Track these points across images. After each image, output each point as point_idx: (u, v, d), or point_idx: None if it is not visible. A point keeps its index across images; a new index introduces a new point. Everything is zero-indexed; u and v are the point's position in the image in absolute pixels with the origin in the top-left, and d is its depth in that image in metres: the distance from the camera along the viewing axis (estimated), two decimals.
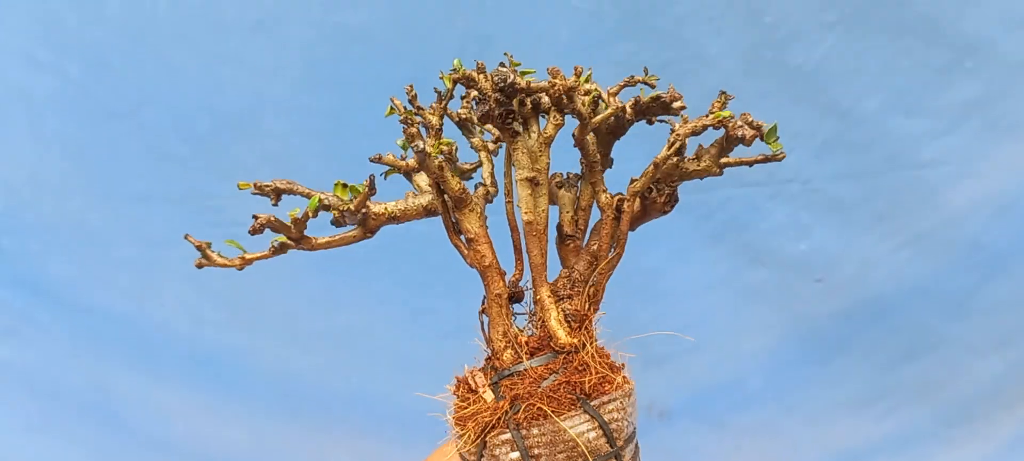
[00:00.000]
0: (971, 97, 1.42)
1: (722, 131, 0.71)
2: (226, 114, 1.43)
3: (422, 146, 0.69)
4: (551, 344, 0.72)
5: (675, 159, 0.73)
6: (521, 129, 0.73)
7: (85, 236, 1.47)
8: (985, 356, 1.50)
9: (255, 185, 0.73)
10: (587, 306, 0.74)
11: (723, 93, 0.72)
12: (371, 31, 1.41)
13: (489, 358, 0.74)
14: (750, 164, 0.74)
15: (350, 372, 1.56)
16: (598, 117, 0.71)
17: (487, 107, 0.71)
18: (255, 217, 0.73)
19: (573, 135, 0.73)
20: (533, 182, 0.73)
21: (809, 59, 1.41)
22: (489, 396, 0.70)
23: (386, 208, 0.75)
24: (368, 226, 0.75)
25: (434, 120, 0.73)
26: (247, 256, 0.77)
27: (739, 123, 0.70)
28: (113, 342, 1.51)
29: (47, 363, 1.50)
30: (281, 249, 0.76)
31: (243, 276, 1.49)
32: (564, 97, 0.70)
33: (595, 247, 0.75)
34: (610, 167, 0.77)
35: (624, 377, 0.73)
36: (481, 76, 0.71)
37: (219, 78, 1.41)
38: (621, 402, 0.71)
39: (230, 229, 1.49)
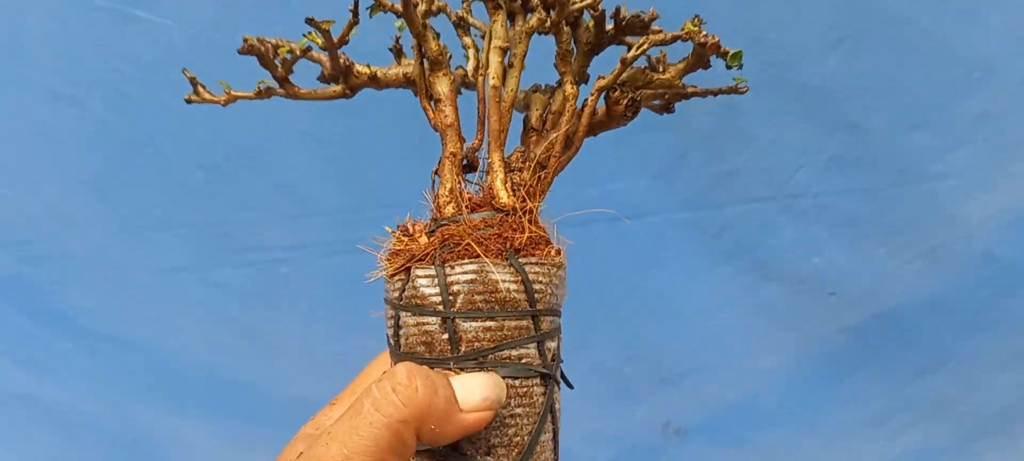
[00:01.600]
0: (980, 111, 1.42)
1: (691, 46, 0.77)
2: (240, 143, 1.46)
3: None
4: (492, 203, 0.76)
5: (644, 66, 0.78)
6: (503, 5, 0.78)
7: (106, 266, 1.49)
8: (1001, 371, 1.50)
9: (244, 40, 0.76)
10: (534, 181, 0.77)
11: (697, 16, 0.75)
12: (384, 57, 1.43)
13: (434, 216, 0.77)
14: (714, 94, 0.81)
15: None
16: (576, 5, 0.75)
17: None
18: (244, 39, 0.76)
19: (549, 22, 0.76)
20: (504, 52, 0.78)
21: (815, 76, 1.42)
22: (424, 240, 0.73)
23: (369, 67, 0.81)
24: (350, 83, 0.80)
25: None
26: (232, 93, 0.82)
27: (705, 34, 0.75)
28: (134, 372, 1.53)
29: (69, 394, 1.52)
30: (266, 93, 0.80)
31: (261, 304, 1.52)
32: None
33: (553, 136, 0.78)
34: (585, 82, 0.81)
35: (557, 250, 0.75)
36: None
37: (233, 107, 1.43)
38: (548, 269, 0.73)
39: (244, 255, 1.53)
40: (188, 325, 1.53)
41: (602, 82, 0.76)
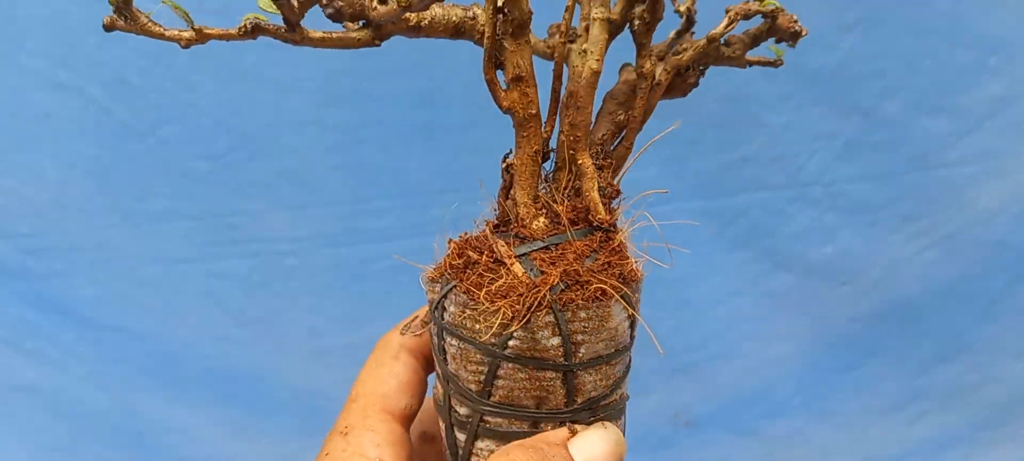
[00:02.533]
0: (996, 95, 1.39)
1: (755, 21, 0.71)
2: (243, 131, 1.44)
3: None
4: (589, 217, 0.64)
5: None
6: None
7: (109, 255, 1.47)
8: (1017, 358, 1.48)
9: None
10: (617, 182, 0.68)
11: None
12: (388, 44, 1.41)
13: (500, 224, 0.66)
14: (751, 65, 0.76)
15: None
16: None
17: None
18: None
19: None
20: (610, 23, 0.64)
21: (829, 61, 1.39)
22: (518, 269, 0.61)
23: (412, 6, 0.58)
24: (384, 31, 0.62)
25: None
26: (203, 30, 0.59)
27: (789, 17, 0.70)
28: (138, 362, 1.51)
29: (72, 384, 1.51)
30: (252, 33, 0.59)
31: (266, 294, 1.50)
32: None
33: (622, 116, 0.70)
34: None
35: (639, 270, 0.66)
36: None
37: (236, 94, 1.41)
38: (638, 295, 0.65)
39: (249, 245, 1.51)
40: (192, 315, 1.51)
41: (683, 57, 0.69)
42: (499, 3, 0.60)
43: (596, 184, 0.65)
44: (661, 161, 1.45)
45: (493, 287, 0.60)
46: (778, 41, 0.73)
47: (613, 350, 0.63)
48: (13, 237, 1.46)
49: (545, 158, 0.66)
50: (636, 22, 0.65)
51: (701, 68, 0.73)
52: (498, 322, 0.59)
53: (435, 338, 0.66)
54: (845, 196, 1.45)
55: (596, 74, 0.64)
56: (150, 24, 0.58)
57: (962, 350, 1.49)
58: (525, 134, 0.63)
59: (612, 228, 0.64)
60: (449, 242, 0.65)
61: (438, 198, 1.46)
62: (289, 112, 1.43)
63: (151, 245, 1.47)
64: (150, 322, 1.51)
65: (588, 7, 0.65)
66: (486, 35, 0.60)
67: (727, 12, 0.68)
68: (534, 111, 0.62)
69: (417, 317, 0.73)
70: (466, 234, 0.66)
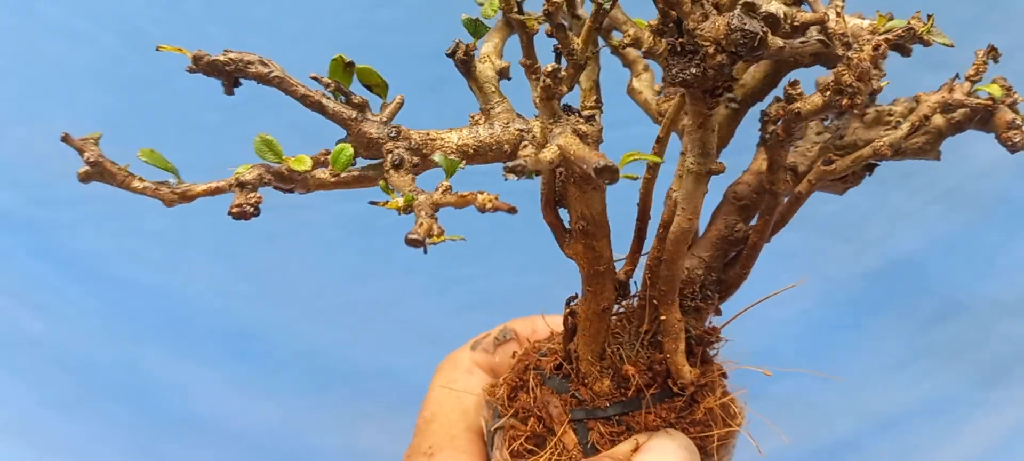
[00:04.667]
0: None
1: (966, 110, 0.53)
2: (254, 83, 1.44)
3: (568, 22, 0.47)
4: (668, 381, 0.57)
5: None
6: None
7: (116, 208, 1.47)
8: (1019, 315, 1.49)
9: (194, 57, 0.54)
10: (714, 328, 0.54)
11: (992, 48, 0.53)
12: None
13: (561, 364, 0.57)
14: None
15: (378, 345, 1.55)
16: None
17: (697, 65, 0.45)
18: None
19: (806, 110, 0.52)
20: (707, 174, 0.53)
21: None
22: (570, 440, 0.54)
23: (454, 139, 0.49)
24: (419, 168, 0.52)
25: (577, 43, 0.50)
26: (192, 189, 0.57)
27: (1008, 118, 0.50)
28: (144, 317, 1.51)
29: (79, 338, 1.50)
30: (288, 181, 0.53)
31: (273, 249, 1.50)
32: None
33: (740, 228, 0.57)
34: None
35: (737, 421, 0.54)
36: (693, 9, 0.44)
37: (248, 45, 1.42)
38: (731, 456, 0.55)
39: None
40: (200, 270, 1.52)
41: (836, 166, 0.56)
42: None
43: (682, 344, 0.55)
44: None
45: (539, 457, 0.52)
46: (1011, 148, 0.57)
47: None
48: (22, 187, 1.45)
49: (622, 295, 0.56)
50: (767, 137, 0.54)
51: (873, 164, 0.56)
52: None
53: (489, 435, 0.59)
54: None
55: (687, 232, 0.55)
56: (130, 179, 0.56)
57: (963, 307, 1.50)
58: (594, 287, 0.54)
59: (697, 392, 0.54)
60: (520, 355, 0.55)
61: None
62: (300, 64, 1.44)
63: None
64: (158, 276, 1.50)
65: (683, 158, 0.54)
66: (542, 180, 0.51)
67: (911, 120, 0.56)
68: (606, 266, 0.53)
69: (490, 336, 0.69)
70: (527, 353, 0.56)
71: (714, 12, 0.44)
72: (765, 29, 0.42)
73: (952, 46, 0.57)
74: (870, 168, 0.63)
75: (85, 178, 0.55)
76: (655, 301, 0.55)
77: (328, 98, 0.55)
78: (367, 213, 1.52)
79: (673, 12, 0.44)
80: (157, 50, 0.57)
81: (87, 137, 0.55)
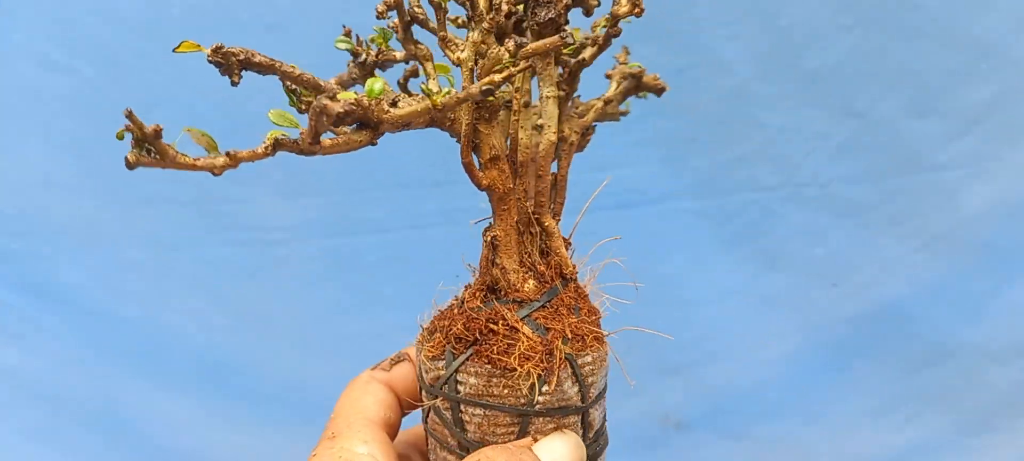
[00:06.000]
0: (986, 99, 1.41)
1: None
2: (239, 115, 1.42)
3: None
4: (563, 273, 0.71)
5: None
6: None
7: (95, 239, 1.45)
8: (1004, 363, 1.49)
9: (212, 51, 0.62)
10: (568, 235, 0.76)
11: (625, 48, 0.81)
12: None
13: (489, 291, 0.71)
14: (624, 114, 0.83)
15: None
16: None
17: (553, 9, 0.67)
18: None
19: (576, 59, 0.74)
20: (562, 98, 0.72)
21: (825, 62, 1.41)
22: (527, 331, 0.67)
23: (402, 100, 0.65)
24: (380, 130, 0.66)
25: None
26: (233, 154, 0.64)
27: (652, 76, 0.81)
28: (122, 348, 1.48)
29: (54, 369, 1.48)
30: (273, 149, 0.64)
31: (253, 282, 1.48)
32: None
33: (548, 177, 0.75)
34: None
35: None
36: None
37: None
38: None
39: (242, 233, 1.49)
40: (178, 302, 1.49)
41: (587, 119, 0.77)
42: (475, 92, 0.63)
43: (562, 241, 0.72)
44: (658, 160, 1.45)
45: (516, 352, 0.66)
46: (644, 94, 0.82)
47: (603, 380, 0.71)
48: None
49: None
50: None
51: (593, 125, 0.80)
52: (529, 383, 0.66)
53: (446, 414, 0.69)
54: (836, 198, 1.46)
55: (553, 144, 0.71)
56: (179, 155, 0.61)
57: (949, 354, 1.49)
58: (505, 207, 0.69)
59: (573, 278, 0.71)
60: (445, 314, 0.71)
61: (434, 190, 1.45)
62: (283, 97, 1.42)
63: (139, 229, 1.45)
64: (136, 308, 1.48)
65: (542, 89, 0.72)
66: (464, 122, 0.66)
67: (609, 76, 0.80)
68: (511, 185, 0.69)
69: (385, 360, 0.80)
70: (452, 308, 0.71)
71: None
72: None
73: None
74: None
75: (133, 163, 0.59)
76: (536, 214, 0.71)
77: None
78: (349, 248, 1.51)
79: None
80: (174, 52, 0.61)
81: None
